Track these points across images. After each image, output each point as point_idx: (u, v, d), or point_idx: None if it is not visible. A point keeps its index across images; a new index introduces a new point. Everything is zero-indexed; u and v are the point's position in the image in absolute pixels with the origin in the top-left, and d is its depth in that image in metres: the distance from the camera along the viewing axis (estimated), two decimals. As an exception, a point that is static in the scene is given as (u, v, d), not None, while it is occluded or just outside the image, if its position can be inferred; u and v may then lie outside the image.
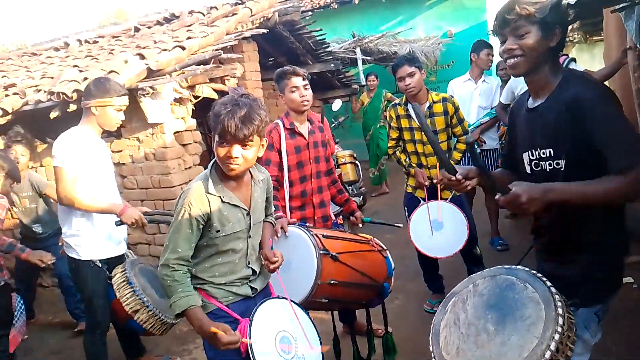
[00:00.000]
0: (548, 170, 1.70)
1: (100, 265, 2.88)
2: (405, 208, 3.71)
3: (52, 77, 4.62)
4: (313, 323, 2.10)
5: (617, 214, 1.69)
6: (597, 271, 1.64)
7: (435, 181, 3.43)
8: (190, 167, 4.53)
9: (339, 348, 3.02)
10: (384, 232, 3.14)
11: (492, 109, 4.56)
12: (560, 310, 1.43)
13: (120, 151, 4.50)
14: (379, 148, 7.67)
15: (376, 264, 2.76)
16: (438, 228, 3.42)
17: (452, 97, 3.62)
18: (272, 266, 2.03)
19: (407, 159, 3.62)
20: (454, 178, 1.79)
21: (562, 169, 1.66)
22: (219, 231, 1.86)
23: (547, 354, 1.35)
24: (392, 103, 3.70)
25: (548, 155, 1.69)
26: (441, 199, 3.46)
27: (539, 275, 1.57)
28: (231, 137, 1.74)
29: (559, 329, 1.39)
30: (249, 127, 1.73)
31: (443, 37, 9.73)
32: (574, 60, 3.87)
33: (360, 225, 3.16)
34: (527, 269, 1.63)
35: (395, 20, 10.41)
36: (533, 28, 1.61)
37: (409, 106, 3.45)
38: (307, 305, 2.48)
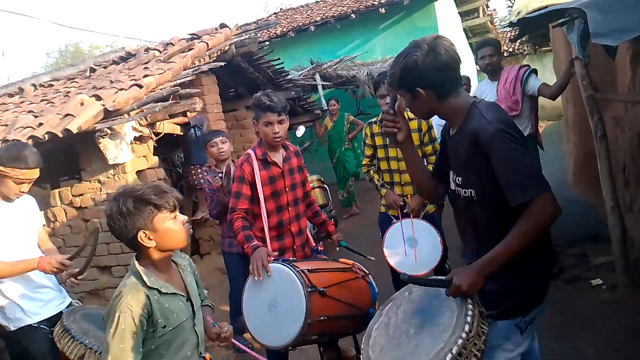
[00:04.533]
0: (463, 196, 1.83)
1: (37, 325, 2.71)
2: (380, 227, 3.72)
3: (7, 125, 4.50)
4: None
5: (544, 234, 1.76)
6: (514, 288, 1.74)
7: (406, 211, 3.45)
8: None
9: None
10: (362, 249, 3.13)
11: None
12: (468, 319, 1.57)
13: (81, 195, 4.39)
14: (345, 170, 7.73)
15: (361, 292, 2.71)
16: (412, 246, 3.42)
17: None
18: (225, 339, 1.99)
19: (380, 179, 3.64)
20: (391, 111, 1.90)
21: (475, 199, 1.78)
22: (165, 326, 1.73)
23: (449, 357, 1.50)
24: (368, 122, 3.71)
25: (461, 182, 1.83)
26: (414, 216, 3.48)
27: None
28: (172, 206, 1.79)
29: (464, 335, 1.53)
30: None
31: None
32: (534, 71, 3.96)
33: (337, 248, 3.13)
34: None
35: (352, 44, 10.60)
36: (400, 92, 1.84)
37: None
38: (297, 344, 2.42)
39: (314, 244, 3.18)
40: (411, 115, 3.50)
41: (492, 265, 1.66)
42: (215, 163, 4.07)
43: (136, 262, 1.77)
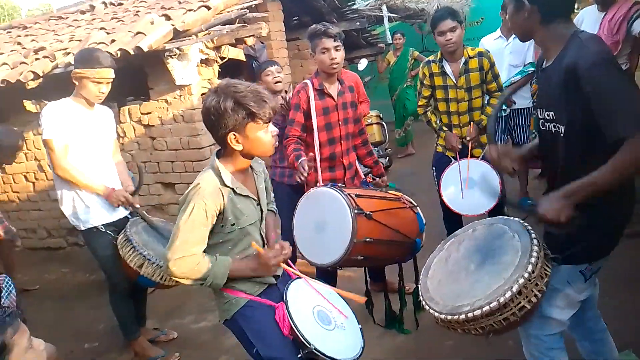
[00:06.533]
0: (552, 131, 1.75)
1: (104, 229, 2.94)
2: (434, 168, 3.67)
3: (80, 40, 4.65)
4: (337, 292, 2.11)
5: (624, 185, 1.69)
6: (585, 234, 1.67)
7: (468, 138, 3.39)
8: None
9: (372, 302, 3.09)
10: (411, 192, 3.14)
11: (524, 66, 4.42)
12: (532, 260, 1.57)
13: (149, 113, 4.56)
14: (405, 109, 7.56)
15: (408, 221, 2.79)
16: (470, 186, 3.38)
17: (488, 52, 3.51)
18: (284, 255, 1.96)
19: (438, 120, 3.55)
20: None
21: (562, 135, 1.69)
22: (234, 224, 1.82)
23: (508, 294, 1.52)
24: (426, 60, 3.59)
25: (550, 117, 1.74)
26: (473, 157, 3.41)
27: (529, 228, 1.71)
28: (272, 115, 1.79)
29: (526, 275, 1.54)
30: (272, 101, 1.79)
31: (472, -8, 9.40)
32: None
33: (384, 189, 3.16)
34: (521, 221, 1.75)
35: (423, -25, 10.05)
36: (509, 6, 1.77)
37: (444, 64, 3.39)
38: (344, 263, 2.54)
39: (363, 177, 3.24)
40: (471, 53, 3.36)
41: (577, 194, 1.60)
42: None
43: (217, 159, 1.83)
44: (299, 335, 1.79)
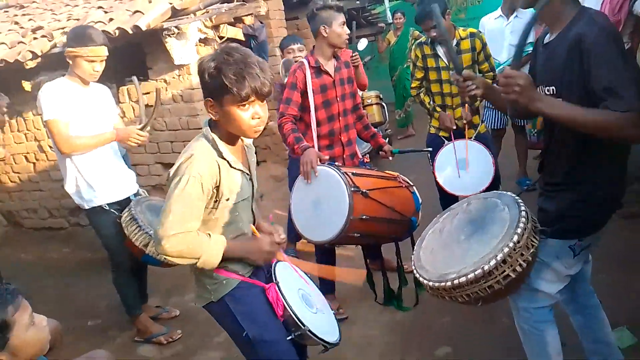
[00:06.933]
0: None
1: (108, 208, 2.97)
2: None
3: (78, 19, 4.62)
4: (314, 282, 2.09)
5: (615, 164, 1.72)
6: (572, 209, 1.74)
7: (464, 121, 3.40)
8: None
9: (373, 280, 3.14)
10: (408, 173, 3.16)
11: (525, 46, 4.39)
12: (519, 230, 1.61)
13: (148, 93, 4.54)
14: (405, 89, 7.51)
15: (404, 200, 2.83)
16: (464, 167, 3.41)
17: (481, 32, 3.51)
18: (279, 244, 1.87)
19: (432, 101, 3.57)
20: (460, 77, 1.97)
21: None
22: (228, 199, 1.71)
23: (492, 262, 1.57)
24: (418, 42, 3.60)
25: (551, 93, 1.74)
26: (466, 137, 3.43)
27: (520, 201, 1.73)
28: (257, 96, 1.60)
29: (511, 244, 1.58)
30: (269, 80, 1.62)
31: (473, -29, 9.29)
32: None
33: (390, 158, 3.17)
34: (513, 195, 1.79)
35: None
36: None
37: (437, 46, 3.39)
38: (341, 240, 2.59)
39: (360, 156, 3.27)
40: (463, 34, 3.38)
41: (548, 106, 1.62)
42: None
43: (209, 128, 1.72)
44: (293, 315, 1.74)
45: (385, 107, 6.60)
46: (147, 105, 3.04)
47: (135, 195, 3.12)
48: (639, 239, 3.37)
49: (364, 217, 2.53)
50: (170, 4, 4.00)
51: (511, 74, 1.63)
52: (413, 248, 3.00)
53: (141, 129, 3.01)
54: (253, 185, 1.85)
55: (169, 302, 3.64)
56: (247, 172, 1.81)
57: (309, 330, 1.75)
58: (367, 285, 3.14)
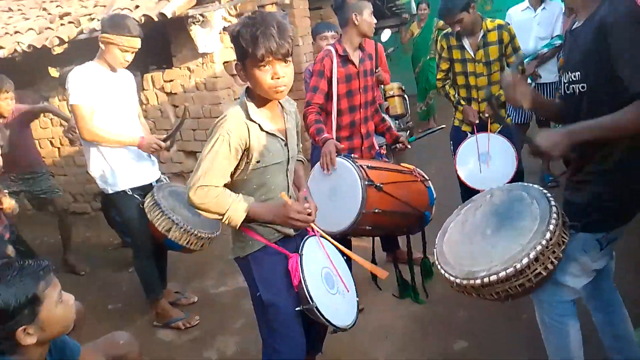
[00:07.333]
0: (577, 93, 1.73)
1: (131, 193, 3.01)
2: (451, 142, 3.66)
3: (105, 6, 4.67)
4: (360, 262, 2.06)
5: None
6: (602, 201, 1.71)
7: (486, 115, 3.36)
8: (239, 98, 4.58)
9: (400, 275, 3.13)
10: (426, 166, 3.15)
11: (552, 38, 4.30)
12: (551, 227, 1.56)
13: (171, 80, 4.58)
14: (428, 82, 7.42)
15: (418, 194, 2.83)
16: (486, 160, 3.37)
17: (509, 24, 3.43)
18: (309, 215, 1.82)
19: (457, 94, 3.51)
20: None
21: (587, 94, 1.69)
22: (259, 162, 1.77)
23: (525, 260, 1.52)
24: (444, 32, 3.54)
25: (577, 78, 1.73)
26: (490, 131, 3.38)
27: (548, 195, 1.70)
28: (274, 56, 1.64)
29: (544, 242, 1.54)
30: (288, 41, 1.65)
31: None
32: None
33: (409, 146, 3.14)
34: (540, 188, 1.75)
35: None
36: None
37: (463, 38, 3.34)
38: (352, 232, 2.59)
39: (377, 148, 3.25)
40: (490, 26, 3.31)
41: (578, 134, 1.62)
42: None
43: (245, 94, 1.80)
44: (305, 289, 1.78)
45: (407, 99, 6.55)
46: (174, 131, 3.12)
47: (157, 181, 3.15)
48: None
49: (377, 210, 2.53)
50: (195, -9, 4.01)
51: (532, 149, 1.65)
52: (423, 240, 3.04)
53: (164, 140, 3.05)
54: (289, 152, 1.88)
55: (187, 289, 3.68)
56: (282, 137, 1.84)
57: (316, 308, 1.79)
58: (377, 279, 3.13)
